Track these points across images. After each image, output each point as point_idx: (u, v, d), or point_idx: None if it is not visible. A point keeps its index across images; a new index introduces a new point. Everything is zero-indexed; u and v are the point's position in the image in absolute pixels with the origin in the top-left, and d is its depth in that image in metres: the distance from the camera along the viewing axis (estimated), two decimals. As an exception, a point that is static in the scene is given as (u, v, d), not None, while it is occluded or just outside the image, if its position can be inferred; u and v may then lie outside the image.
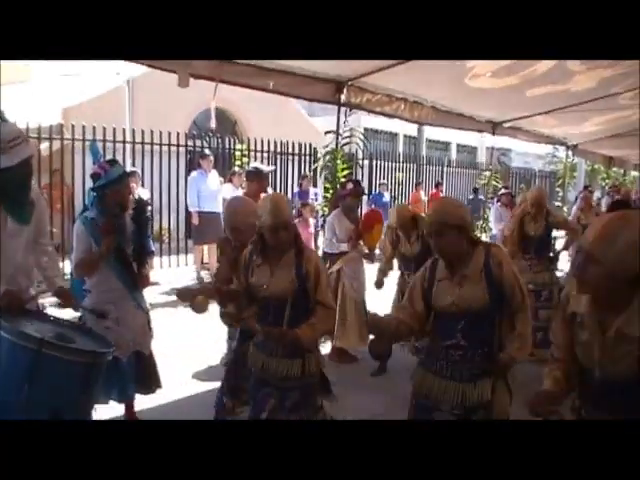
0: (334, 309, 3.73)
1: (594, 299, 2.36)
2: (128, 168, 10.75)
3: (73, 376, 3.24)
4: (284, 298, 3.52)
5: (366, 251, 6.87)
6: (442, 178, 21.03)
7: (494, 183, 13.01)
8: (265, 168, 7.25)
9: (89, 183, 4.48)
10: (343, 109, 8.09)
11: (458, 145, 30.51)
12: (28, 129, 9.39)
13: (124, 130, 11.51)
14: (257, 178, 6.89)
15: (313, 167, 13.45)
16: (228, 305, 3.77)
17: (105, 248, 4.29)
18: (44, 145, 10.60)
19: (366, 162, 17.19)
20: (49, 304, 4.30)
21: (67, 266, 6.27)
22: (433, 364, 3.40)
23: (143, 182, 11.34)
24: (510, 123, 10.49)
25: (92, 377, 3.36)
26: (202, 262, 11.41)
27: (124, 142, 11.49)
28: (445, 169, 21.80)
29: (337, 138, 8.55)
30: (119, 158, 10.26)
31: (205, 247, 11.31)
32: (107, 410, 4.69)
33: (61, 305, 4.00)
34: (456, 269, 3.31)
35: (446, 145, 29.88)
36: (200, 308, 3.87)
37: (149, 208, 7.26)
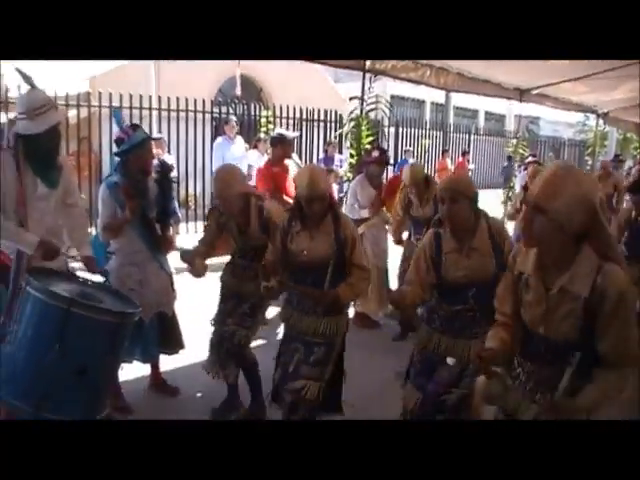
0: (369, 270, 3.89)
1: (540, 255, 2.36)
2: (154, 135, 10.84)
3: (101, 335, 3.33)
4: (325, 262, 3.69)
5: (389, 217, 6.89)
6: (469, 146, 20.89)
7: (521, 151, 12.86)
8: (289, 134, 7.29)
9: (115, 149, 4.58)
10: (368, 75, 8.06)
11: (486, 113, 30.22)
12: (56, 97, 9.46)
13: (150, 97, 11.57)
14: (281, 144, 6.94)
15: (337, 133, 13.41)
16: (271, 279, 3.88)
17: (130, 212, 4.37)
18: (72, 113, 10.69)
19: (392, 129, 17.11)
20: (79, 269, 4.41)
21: (94, 231, 6.38)
22: (442, 325, 3.59)
23: (169, 149, 11.41)
24: (538, 90, 10.34)
25: (119, 337, 3.45)
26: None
27: (150, 109, 11.56)
28: (472, 137, 21.64)
29: (362, 104, 8.53)
30: (145, 125, 10.31)
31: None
32: (133, 371, 4.84)
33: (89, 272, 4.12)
34: (463, 241, 3.47)
35: (474, 113, 29.60)
36: (198, 272, 4.23)
37: (173, 172, 7.34)
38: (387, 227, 6.97)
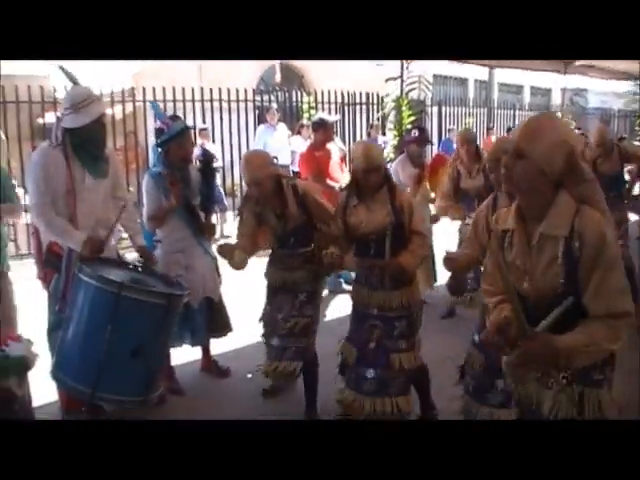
0: (427, 236, 4.01)
1: (520, 207, 2.33)
2: (198, 125, 11.01)
3: (151, 317, 3.47)
4: (382, 232, 3.81)
5: (432, 196, 6.87)
6: (514, 122, 20.58)
7: (566, 124, 12.66)
8: (330, 118, 7.38)
9: (158, 141, 4.72)
10: (406, 55, 8.05)
11: (532, 87, 29.70)
12: (102, 94, 9.67)
13: (193, 89, 11.71)
14: (322, 128, 7.05)
15: (378, 115, 13.39)
16: (330, 247, 3.99)
17: (175, 198, 4.51)
18: (117, 109, 10.92)
19: (435, 109, 17.00)
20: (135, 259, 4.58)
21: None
22: None
23: (213, 138, 11.57)
24: (582, 61, 10.15)
25: (169, 318, 3.58)
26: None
27: (193, 101, 11.70)
28: (517, 113, 21.31)
29: (401, 85, 8.55)
30: (189, 116, 10.49)
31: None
32: (186, 355, 5.01)
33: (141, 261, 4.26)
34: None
35: (519, 88, 29.12)
36: (238, 264, 4.14)
37: (218, 162, 7.46)
38: (430, 206, 6.95)
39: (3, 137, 4.60)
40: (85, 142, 3.94)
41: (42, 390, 4.02)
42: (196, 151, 5.08)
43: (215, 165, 5.17)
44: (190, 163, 4.73)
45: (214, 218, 5.22)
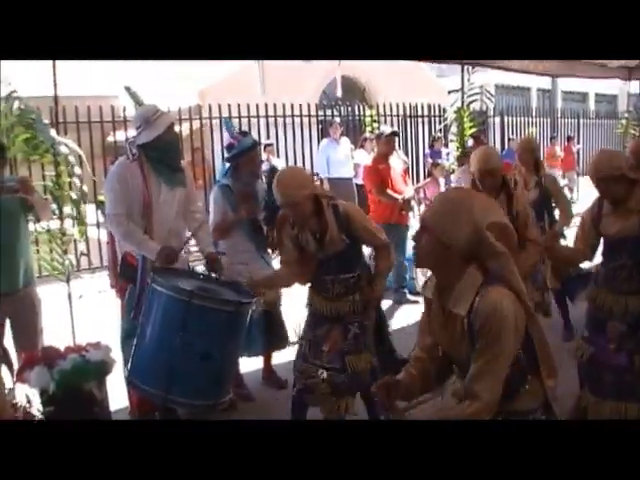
0: (538, 242, 4.08)
1: (435, 279, 2.29)
2: (263, 141, 11.24)
3: (220, 323, 3.61)
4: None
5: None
6: (579, 130, 20.27)
7: (632, 131, 12.42)
8: (389, 130, 7.51)
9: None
10: (466, 67, 8.11)
11: (596, 95, 29.15)
12: (169, 112, 9.97)
13: (257, 105, 11.97)
14: (383, 141, 7.19)
15: (440, 127, 13.41)
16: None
17: (245, 212, 4.69)
18: (185, 126, 11.24)
19: (497, 119, 16.91)
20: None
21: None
22: (605, 282, 3.80)
23: (278, 153, 11.79)
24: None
25: (237, 324, 3.72)
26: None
27: (258, 117, 11.96)
28: (582, 121, 20.96)
29: (462, 96, 8.59)
30: (254, 132, 10.71)
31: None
32: (249, 364, 5.16)
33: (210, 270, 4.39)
34: (619, 205, 3.69)
35: (583, 96, 28.63)
36: (271, 305, 4.27)
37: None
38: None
39: (82, 153, 4.85)
40: (161, 153, 4.14)
41: (116, 395, 4.21)
42: (264, 166, 5.25)
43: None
44: (258, 178, 4.92)
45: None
